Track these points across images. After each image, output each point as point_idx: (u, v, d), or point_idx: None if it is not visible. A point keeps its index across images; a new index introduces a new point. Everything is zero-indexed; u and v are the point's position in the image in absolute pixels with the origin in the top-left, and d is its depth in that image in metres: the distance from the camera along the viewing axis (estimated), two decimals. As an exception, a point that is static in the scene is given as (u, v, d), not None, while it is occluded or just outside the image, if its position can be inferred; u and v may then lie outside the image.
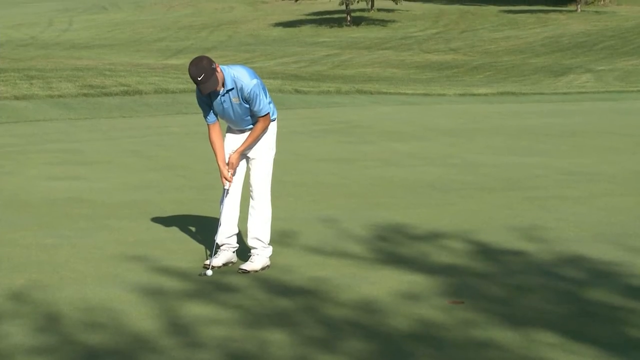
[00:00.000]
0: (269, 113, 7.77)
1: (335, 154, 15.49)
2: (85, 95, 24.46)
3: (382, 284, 7.44)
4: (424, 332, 6.31)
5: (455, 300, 6.97)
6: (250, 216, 7.95)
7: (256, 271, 7.80)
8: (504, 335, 6.21)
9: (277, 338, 6.15)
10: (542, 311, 6.80)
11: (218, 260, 7.94)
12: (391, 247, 8.79)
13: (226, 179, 7.87)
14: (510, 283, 7.54)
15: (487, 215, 10.32)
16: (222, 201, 7.96)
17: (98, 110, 22.39)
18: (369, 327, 6.40)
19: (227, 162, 7.88)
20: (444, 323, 6.49)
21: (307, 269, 7.93)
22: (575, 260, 8.29)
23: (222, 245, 8.02)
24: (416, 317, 6.62)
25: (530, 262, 8.27)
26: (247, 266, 7.86)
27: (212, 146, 7.90)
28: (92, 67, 34.48)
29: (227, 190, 7.91)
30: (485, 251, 8.63)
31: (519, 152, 15.73)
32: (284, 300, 7.02)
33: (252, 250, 7.95)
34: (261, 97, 7.69)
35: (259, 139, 7.86)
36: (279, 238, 8.73)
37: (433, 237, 9.18)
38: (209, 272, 7.68)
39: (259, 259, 7.87)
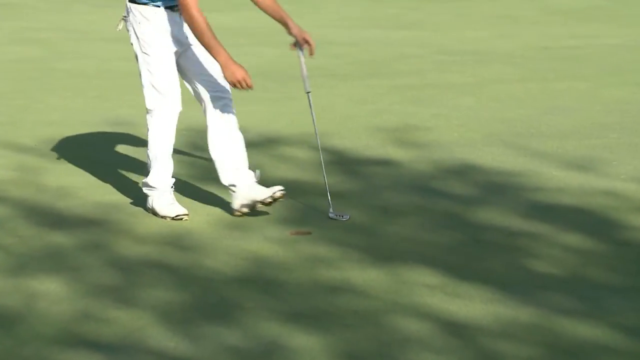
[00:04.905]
0: None
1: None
2: None
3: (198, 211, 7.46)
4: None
5: (299, 231, 7.01)
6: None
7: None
8: (372, 277, 6.28)
9: None
10: (415, 241, 6.87)
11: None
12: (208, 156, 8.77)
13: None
14: (375, 204, 7.60)
15: (342, 112, 10.40)
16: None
17: None
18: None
19: None
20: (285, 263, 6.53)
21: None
22: (460, 172, 8.43)
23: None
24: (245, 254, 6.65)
25: (402, 175, 8.37)
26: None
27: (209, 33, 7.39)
28: None
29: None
30: (341, 162, 8.68)
31: (383, 23, 15.86)
32: None
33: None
34: None
35: None
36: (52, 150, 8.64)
37: (269, 143, 9.20)
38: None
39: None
